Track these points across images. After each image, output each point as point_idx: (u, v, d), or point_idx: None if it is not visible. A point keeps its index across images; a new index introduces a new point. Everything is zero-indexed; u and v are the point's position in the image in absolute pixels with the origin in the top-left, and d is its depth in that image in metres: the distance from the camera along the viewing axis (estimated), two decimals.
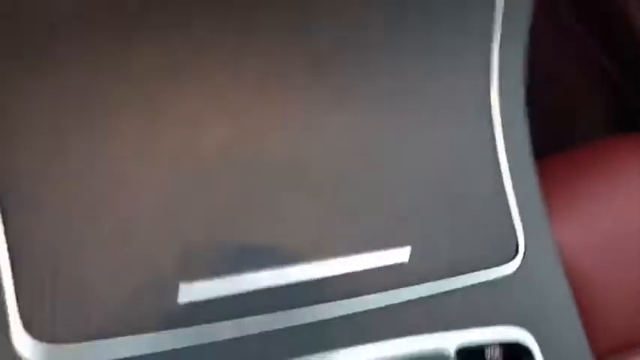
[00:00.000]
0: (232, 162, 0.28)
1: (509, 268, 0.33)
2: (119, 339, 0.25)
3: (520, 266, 0.34)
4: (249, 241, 0.28)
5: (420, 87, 0.32)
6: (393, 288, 0.30)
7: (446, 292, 0.31)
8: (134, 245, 0.26)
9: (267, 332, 0.27)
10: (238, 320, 0.27)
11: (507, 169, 0.35)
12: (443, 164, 0.33)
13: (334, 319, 0.28)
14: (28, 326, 0.24)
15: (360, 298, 0.29)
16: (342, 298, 0.29)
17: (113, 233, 0.26)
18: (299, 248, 0.28)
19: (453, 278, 0.31)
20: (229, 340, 0.26)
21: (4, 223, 0.25)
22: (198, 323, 0.26)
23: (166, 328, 0.26)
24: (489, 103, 0.35)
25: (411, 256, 0.31)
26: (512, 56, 0.35)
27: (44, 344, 0.24)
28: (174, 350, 0.25)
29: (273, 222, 0.28)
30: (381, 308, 0.29)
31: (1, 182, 0.25)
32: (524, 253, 0.34)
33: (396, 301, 0.30)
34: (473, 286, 0.32)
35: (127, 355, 0.25)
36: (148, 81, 0.26)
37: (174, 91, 0.26)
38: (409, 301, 0.30)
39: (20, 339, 0.24)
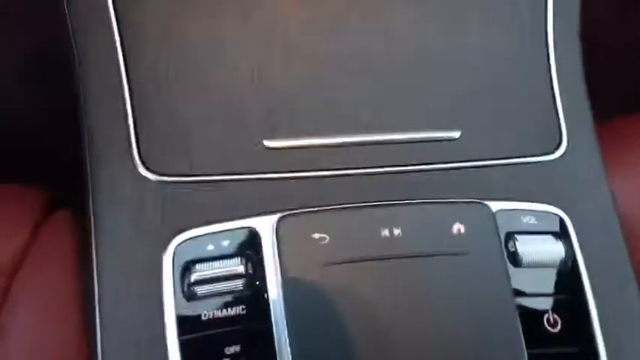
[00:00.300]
0: (318, 44, 0.35)
1: (552, 156, 0.36)
2: (218, 177, 0.33)
3: (562, 156, 0.36)
4: (326, 110, 0.34)
5: None
6: (441, 161, 0.34)
7: (490, 167, 0.35)
8: (232, 102, 0.34)
9: (330, 175, 0.33)
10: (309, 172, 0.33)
11: (555, 66, 0.37)
12: (496, 58, 0.37)
13: (388, 173, 0.34)
14: (146, 160, 0.33)
15: (412, 166, 0.34)
16: (396, 165, 0.34)
17: (217, 89, 0.34)
18: (364, 120, 0.34)
19: (497, 160, 0.35)
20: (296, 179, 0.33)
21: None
22: (279, 171, 0.33)
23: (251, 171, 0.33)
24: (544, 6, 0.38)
25: (461, 137, 0.35)
26: None
27: (156, 175, 0.32)
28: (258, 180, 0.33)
29: (346, 98, 0.35)
30: (428, 170, 0.34)
31: (130, 29, 0.33)
32: (567, 145, 0.36)
33: (443, 167, 0.34)
34: (515, 165, 0.35)
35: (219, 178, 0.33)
36: None
37: None
38: (456, 169, 0.34)
39: (144, 171, 0.32)
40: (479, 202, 0.32)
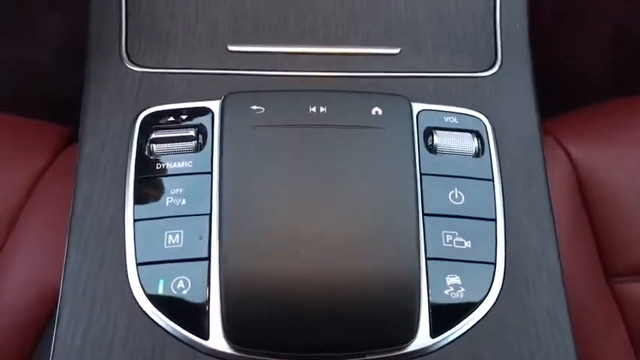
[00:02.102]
0: None
1: (485, 73, 0.41)
2: (187, 70, 0.40)
3: (494, 74, 0.41)
4: (284, 24, 0.42)
5: None
6: (379, 71, 0.40)
7: (424, 78, 0.40)
8: (205, 14, 0.41)
9: (280, 75, 0.40)
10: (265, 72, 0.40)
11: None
12: None
13: (329, 77, 0.40)
14: (130, 54, 0.41)
15: (352, 73, 0.41)
16: (338, 70, 0.41)
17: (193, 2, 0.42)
18: (318, 34, 0.42)
19: (432, 73, 0.41)
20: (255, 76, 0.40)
21: None
22: (237, 69, 0.40)
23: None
24: None
25: (401, 53, 0.41)
26: None
27: (136, 66, 0.40)
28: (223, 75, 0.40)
29: (303, 15, 0.42)
30: (366, 77, 0.40)
31: None
32: (501, 64, 0.41)
33: (380, 75, 0.40)
34: (449, 78, 0.40)
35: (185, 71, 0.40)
36: None
37: None
38: (391, 78, 0.40)
39: (127, 63, 0.40)
40: (399, 95, 0.37)
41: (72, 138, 0.58)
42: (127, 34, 0.41)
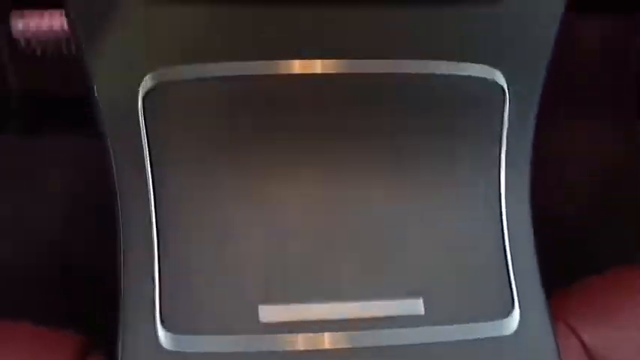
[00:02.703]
0: (304, 228, 0.44)
1: (505, 332, 0.42)
2: (216, 336, 0.41)
3: (515, 332, 0.43)
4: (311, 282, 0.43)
5: (441, 175, 0.45)
6: (407, 326, 0.42)
7: (447, 336, 0.42)
8: (233, 277, 0.43)
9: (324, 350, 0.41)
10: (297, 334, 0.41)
11: (510, 251, 0.44)
12: (455, 237, 0.44)
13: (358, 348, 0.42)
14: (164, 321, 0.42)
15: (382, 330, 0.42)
16: (364, 329, 0.42)
17: (221, 267, 0.43)
18: (341, 289, 0.43)
19: (454, 326, 0.42)
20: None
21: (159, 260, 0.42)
22: (271, 332, 0.41)
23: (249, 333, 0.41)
24: (498, 185, 0.45)
25: (425, 314, 0.42)
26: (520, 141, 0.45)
27: (173, 334, 0.41)
28: (255, 353, 0.41)
29: (327, 275, 0.43)
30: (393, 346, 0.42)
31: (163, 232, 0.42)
32: (520, 321, 0.43)
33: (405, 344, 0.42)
34: (470, 341, 0.42)
35: (222, 350, 0.41)
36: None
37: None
38: (417, 345, 0.42)
39: (160, 330, 0.41)
40: None
41: (88, 348, 0.58)
42: (161, 309, 0.41)
